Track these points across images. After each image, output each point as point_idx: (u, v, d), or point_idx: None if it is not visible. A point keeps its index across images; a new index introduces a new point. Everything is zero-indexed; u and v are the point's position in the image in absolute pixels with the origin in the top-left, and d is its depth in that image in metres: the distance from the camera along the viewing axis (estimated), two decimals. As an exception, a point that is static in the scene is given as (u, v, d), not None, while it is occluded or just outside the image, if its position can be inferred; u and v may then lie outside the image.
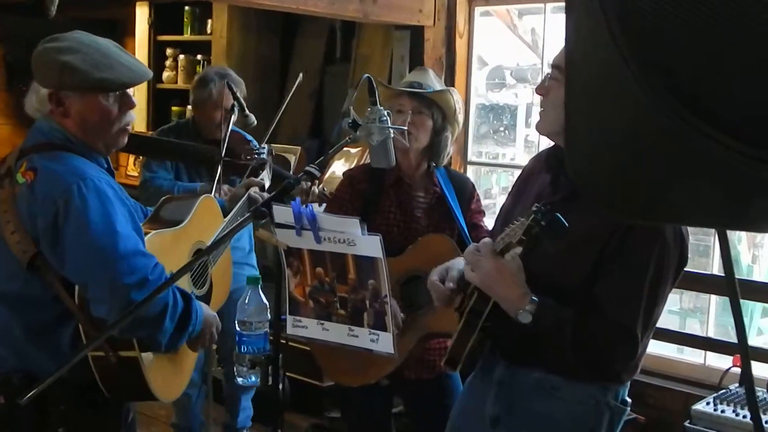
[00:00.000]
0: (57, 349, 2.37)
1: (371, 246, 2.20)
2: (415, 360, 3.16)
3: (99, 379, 2.39)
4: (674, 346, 4.83)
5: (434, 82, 3.30)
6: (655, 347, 4.83)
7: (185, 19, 6.14)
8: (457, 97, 3.29)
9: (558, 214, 2.13)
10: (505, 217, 2.57)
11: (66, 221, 2.27)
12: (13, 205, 2.34)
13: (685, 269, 4.59)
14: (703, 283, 4.64)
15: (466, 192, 3.32)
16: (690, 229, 5.10)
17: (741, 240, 5.21)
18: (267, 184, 3.46)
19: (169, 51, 6.28)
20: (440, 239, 3.11)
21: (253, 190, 3.21)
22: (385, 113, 2.48)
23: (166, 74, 6.28)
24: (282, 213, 2.28)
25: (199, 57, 6.16)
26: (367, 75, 2.49)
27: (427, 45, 5.26)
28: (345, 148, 4.60)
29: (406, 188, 3.26)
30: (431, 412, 3.21)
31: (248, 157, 3.81)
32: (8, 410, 2.38)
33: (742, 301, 3.92)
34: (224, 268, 3.02)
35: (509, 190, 2.73)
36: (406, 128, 3.04)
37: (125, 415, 2.59)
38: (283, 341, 2.43)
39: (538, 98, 2.46)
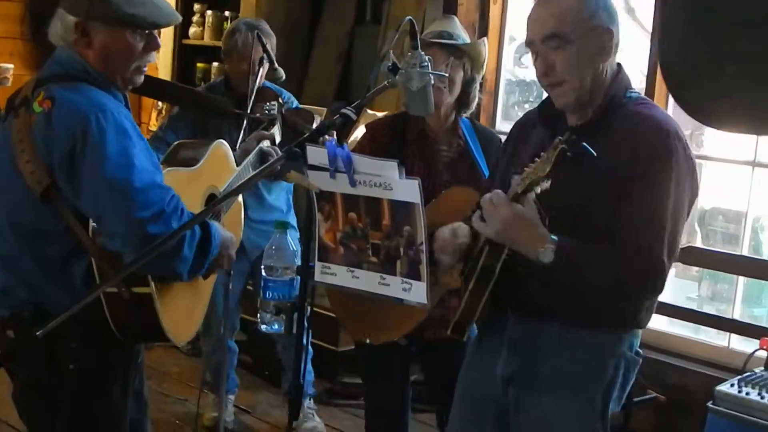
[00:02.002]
0: (70, 284, 2.32)
1: (409, 190, 2.12)
2: (434, 319, 3.08)
3: (110, 316, 2.33)
4: (695, 328, 4.76)
5: (462, 31, 3.22)
6: (678, 327, 4.77)
7: (214, -26, 6.05)
8: (486, 49, 3.22)
9: (584, 143, 2.12)
10: (502, 175, 2.51)
11: (83, 152, 2.23)
12: (29, 135, 2.30)
13: (715, 249, 4.59)
14: (733, 264, 4.56)
15: (493, 145, 3.22)
16: (718, 216, 5.10)
17: (764, 229, 5.14)
18: (278, 139, 3.39)
19: (196, 6, 6.17)
20: (463, 191, 2.98)
21: (265, 144, 3.16)
22: (426, 58, 2.40)
23: (192, 30, 6.18)
24: (316, 154, 2.20)
25: (227, 13, 6.07)
26: (409, 17, 2.41)
27: (461, 9, 5.16)
28: (371, 112, 4.53)
29: (430, 142, 3.17)
30: (449, 372, 3.15)
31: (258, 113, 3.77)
32: (18, 345, 2.35)
33: (761, 283, 3.86)
34: (235, 218, 2.94)
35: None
36: (447, 74, 2.95)
37: (135, 356, 2.54)
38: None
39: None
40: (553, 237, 2.21)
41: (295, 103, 4.26)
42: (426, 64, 2.38)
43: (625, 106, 2.33)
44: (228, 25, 5.92)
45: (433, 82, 2.43)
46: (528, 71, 5.91)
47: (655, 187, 2.23)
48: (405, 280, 2.17)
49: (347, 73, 5.77)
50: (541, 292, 2.31)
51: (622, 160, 2.24)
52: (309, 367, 4.26)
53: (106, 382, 2.43)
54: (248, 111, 3.79)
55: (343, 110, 2.27)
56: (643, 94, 2.46)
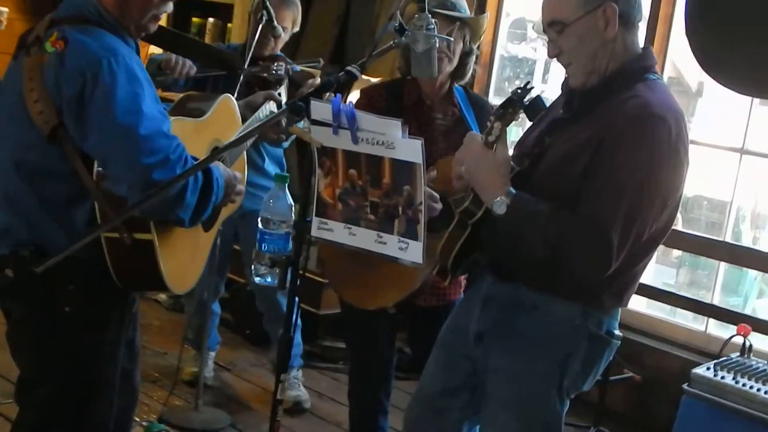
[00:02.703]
0: (71, 226, 2.33)
1: (411, 150, 2.12)
2: (426, 286, 3.10)
3: (110, 262, 2.34)
4: (671, 311, 4.81)
5: (463, 1, 3.22)
6: (655, 310, 4.82)
7: (213, -70, 5.99)
8: (486, 21, 3.26)
9: (540, 95, 2.23)
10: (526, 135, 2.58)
11: (92, 94, 2.23)
12: (39, 74, 2.29)
13: (696, 233, 4.63)
14: (713, 249, 4.61)
15: (485, 113, 3.22)
16: (703, 203, 5.13)
17: (744, 219, 5.19)
18: (284, 100, 3.40)
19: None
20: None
21: (269, 103, 3.17)
22: (433, 21, 2.39)
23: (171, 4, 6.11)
24: (320, 109, 2.19)
25: (226, -32, 6.02)
26: (418, -20, 2.40)
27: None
28: (366, 77, 4.52)
29: (426, 110, 3.18)
30: (430, 338, 3.17)
31: (264, 72, 3.79)
32: (16, 282, 2.34)
33: (743, 270, 3.90)
34: (239, 167, 2.96)
35: None
36: (452, 39, 2.96)
37: (130, 304, 2.54)
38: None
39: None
40: (512, 190, 2.25)
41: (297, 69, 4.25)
42: (432, 26, 2.38)
43: (632, 83, 2.33)
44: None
45: (438, 45, 2.42)
46: (520, 47, 5.93)
47: (624, 163, 2.21)
48: (402, 239, 2.17)
49: (343, 35, 5.76)
50: (507, 253, 2.36)
51: (598, 135, 2.25)
52: (298, 338, 4.27)
53: (100, 328, 2.44)
54: (245, 65, 3.78)
55: (348, 68, 2.27)
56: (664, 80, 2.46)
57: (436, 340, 2.68)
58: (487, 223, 2.36)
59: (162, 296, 5.32)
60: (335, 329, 4.95)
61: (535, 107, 2.31)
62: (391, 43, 2.38)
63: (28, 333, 2.43)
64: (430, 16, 2.38)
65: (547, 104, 2.40)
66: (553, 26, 2.35)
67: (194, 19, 6.09)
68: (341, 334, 4.97)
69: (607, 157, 2.22)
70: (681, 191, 2.35)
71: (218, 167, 2.45)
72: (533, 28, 5.83)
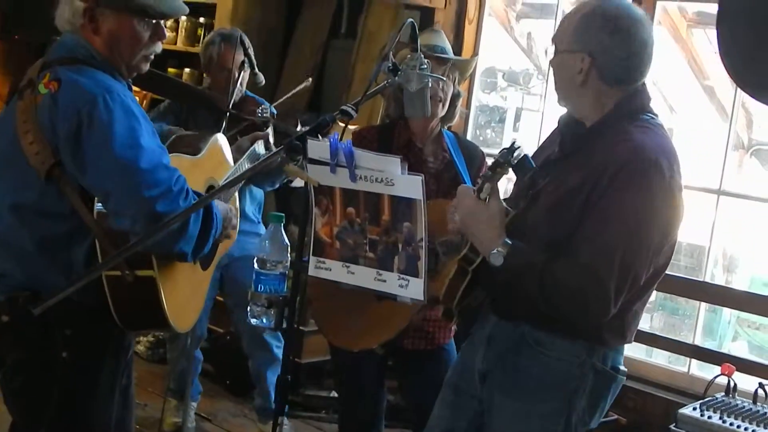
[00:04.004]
0: (70, 267, 2.31)
1: (411, 186, 2.12)
2: (414, 329, 3.09)
3: (111, 301, 2.31)
4: (648, 352, 4.81)
5: (449, 45, 3.26)
6: (633, 351, 4.82)
7: (190, -20, 6.01)
8: (475, 64, 3.28)
9: (527, 155, 2.23)
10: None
11: (90, 131, 2.23)
12: (34, 116, 2.29)
13: (677, 274, 4.65)
14: (694, 290, 4.62)
15: (476, 159, 3.27)
16: (682, 241, 5.16)
17: (717, 263, 5.23)
18: (272, 140, 3.40)
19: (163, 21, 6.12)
20: (447, 203, 3.00)
21: (259, 144, 3.17)
22: (426, 61, 2.41)
23: (166, 34, 6.13)
24: (317, 148, 2.19)
25: (201, 20, 6.04)
26: (410, 19, 2.43)
27: (435, 27, 5.19)
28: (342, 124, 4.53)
29: (417, 152, 3.19)
30: (426, 384, 3.14)
31: (251, 115, 3.80)
32: (12, 329, 2.32)
33: (718, 313, 3.88)
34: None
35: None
36: (445, 78, 2.98)
37: (126, 350, 2.51)
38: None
39: (533, 99, 2.51)
40: (508, 240, 2.24)
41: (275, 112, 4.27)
42: (425, 66, 2.40)
43: (624, 126, 2.31)
44: (201, 32, 5.93)
45: (431, 86, 2.44)
46: (491, 97, 5.99)
47: (617, 209, 2.20)
48: (402, 276, 2.17)
49: (319, 84, 5.77)
50: (508, 291, 2.34)
51: (590, 179, 2.24)
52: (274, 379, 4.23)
53: (95, 375, 2.41)
54: (227, 111, 3.79)
55: (343, 107, 2.27)
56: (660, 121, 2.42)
57: (444, 380, 2.64)
58: (486, 266, 2.34)
59: (140, 347, 5.25)
60: (317, 378, 4.90)
61: (523, 167, 2.28)
62: (385, 82, 2.39)
63: (22, 379, 2.39)
64: (422, 56, 2.40)
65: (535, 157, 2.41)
66: (552, 46, 2.42)
67: (170, 69, 6.08)
68: (324, 382, 4.97)
69: (600, 204, 2.21)
70: (677, 230, 2.34)
71: (215, 201, 2.45)
72: (503, 77, 5.93)
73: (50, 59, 2.38)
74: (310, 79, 4.23)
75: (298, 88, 4.09)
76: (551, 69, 2.44)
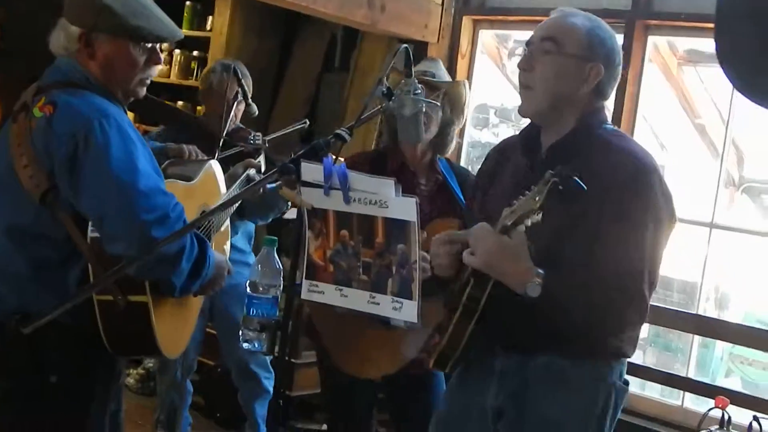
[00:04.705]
0: (63, 290, 2.28)
1: (405, 208, 2.11)
2: (419, 360, 3.06)
3: (102, 326, 2.29)
4: (641, 385, 4.78)
5: (444, 73, 3.27)
6: (631, 385, 4.78)
7: (185, 14, 6.06)
8: (467, 91, 3.26)
9: (576, 177, 2.11)
10: (481, 200, 2.55)
11: (86, 154, 2.22)
12: (28, 139, 2.28)
13: (669, 307, 4.63)
14: (687, 322, 4.61)
15: (469, 182, 3.23)
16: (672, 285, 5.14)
17: (709, 299, 5.23)
18: (263, 168, 3.41)
19: (164, 45, 6.18)
20: (445, 222, 2.98)
21: (251, 171, 3.18)
22: (419, 86, 2.42)
23: (160, 67, 6.16)
24: (310, 171, 2.19)
25: (195, 53, 6.08)
26: (404, 45, 2.44)
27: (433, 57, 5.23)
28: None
29: (410, 175, 3.18)
30: (414, 408, 3.14)
31: (243, 144, 3.81)
32: (1, 351, 2.30)
33: (710, 349, 3.85)
34: (223, 241, 2.96)
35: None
36: (439, 103, 2.98)
37: (116, 376, 2.49)
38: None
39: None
40: (540, 271, 2.20)
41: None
42: (419, 91, 2.41)
43: (599, 134, 2.36)
44: (195, 65, 5.96)
45: (425, 110, 2.45)
46: (482, 133, 6.02)
47: (633, 222, 2.23)
48: (396, 298, 2.15)
49: (312, 117, 5.79)
50: (528, 325, 2.28)
51: (595, 190, 2.21)
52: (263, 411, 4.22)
53: (85, 400, 2.37)
54: (221, 142, 3.79)
55: (338, 131, 2.26)
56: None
57: (435, 421, 2.56)
58: (495, 302, 2.28)
59: (130, 380, 5.21)
60: (308, 411, 4.86)
61: (573, 190, 2.16)
62: (379, 107, 2.40)
63: (11, 405, 2.35)
64: (416, 81, 2.41)
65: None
66: (545, 41, 2.34)
67: (161, 100, 6.11)
68: (315, 416, 4.93)
69: (614, 213, 2.23)
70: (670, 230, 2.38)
71: (212, 249, 2.44)
72: (495, 113, 5.95)
73: (45, 83, 2.37)
74: (307, 120, 4.22)
75: (292, 128, 4.07)
76: (537, 69, 2.35)
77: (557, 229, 2.26)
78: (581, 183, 2.11)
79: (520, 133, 2.55)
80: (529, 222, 2.16)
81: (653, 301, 4.59)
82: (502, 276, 2.22)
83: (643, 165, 2.28)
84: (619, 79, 2.42)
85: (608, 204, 2.23)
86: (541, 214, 2.14)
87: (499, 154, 2.62)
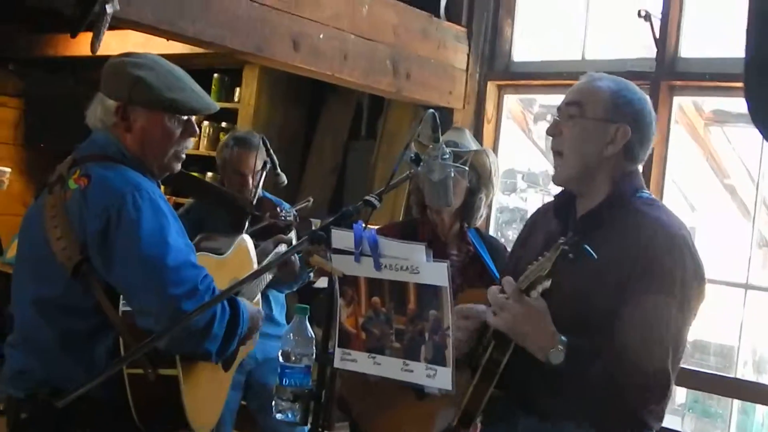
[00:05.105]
0: (91, 363, 2.27)
1: (437, 273, 2.09)
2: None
3: (132, 399, 2.27)
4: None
5: (470, 142, 3.28)
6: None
7: (213, 87, 6.13)
8: (492, 159, 3.26)
9: (586, 245, 2.10)
10: (515, 263, 2.54)
11: (118, 228, 2.23)
12: (62, 211, 2.30)
13: (708, 371, 4.55)
14: (726, 387, 4.53)
15: (500, 253, 3.26)
16: (711, 341, 5.06)
17: (747, 363, 5.15)
18: (294, 242, 3.42)
19: (194, 117, 6.23)
20: (476, 293, 2.95)
21: (282, 246, 3.20)
22: (448, 151, 2.42)
23: (193, 139, 6.22)
24: (341, 237, 2.18)
25: (224, 125, 6.14)
26: (431, 111, 2.44)
27: (458, 126, 5.25)
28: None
29: (441, 246, 3.18)
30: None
31: (274, 218, 3.80)
32: (31, 427, 2.27)
33: (750, 416, 3.77)
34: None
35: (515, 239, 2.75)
36: (467, 168, 2.98)
37: None
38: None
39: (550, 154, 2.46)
40: (563, 338, 2.18)
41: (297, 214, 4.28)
42: (447, 156, 2.41)
43: (633, 203, 2.35)
44: (223, 136, 6.01)
45: (453, 174, 2.44)
46: (511, 198, 6.02)
47: (660, 294, 2.19)
48: (429, 365, 2.11)
49: (340, 185, 5.83)
50: (550, 392, 2.25)
51: (623, 259, 2.23)
52: None
53: None
54: (251, 213, 3.80)
55: (367, 197, 2.26)
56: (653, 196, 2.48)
57: None
58: (517, 366, 2.27)
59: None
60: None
61: (583, 257, 2.16)
62: (408, 173, 2.40)
63: None
64: (444, 145, 2.41)
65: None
66: (571, 106, 2.37)
67: (193, 174, 6.15)
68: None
69: (640, 284, 2.20)
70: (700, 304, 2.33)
71: (243, 300, 2.42)
72: (523, 178, 5.96)
73: (80, 155, 2.40)
74: (311, 199, 4.22)
75: (299, 205, 4.05)
76: (564, 134, 2.37)
77: (582, 298, 2.25)
78: (591, 251, 2.10)
79: (554, 198, 2.55)
80: (540, 288, 2.16)
81: (690, 365, 4.57)
82: (523, 339, 2.21)
83: (673, 239, 2.25)
84: (652, 142, 2.40)
85: (635, 278, 2.21)
86: (549, 281, 2.14)
87: (533, 221, 2.64)
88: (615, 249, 2.26)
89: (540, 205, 5.79)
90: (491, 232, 5.53)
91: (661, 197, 4.69)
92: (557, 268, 2.13)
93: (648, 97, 2.42)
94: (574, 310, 2.26)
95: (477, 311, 2.40)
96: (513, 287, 2.21)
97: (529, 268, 2.20)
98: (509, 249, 3.33)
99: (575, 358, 2.17)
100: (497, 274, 3.07)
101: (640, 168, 2.45)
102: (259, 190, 4.10)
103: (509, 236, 5.94)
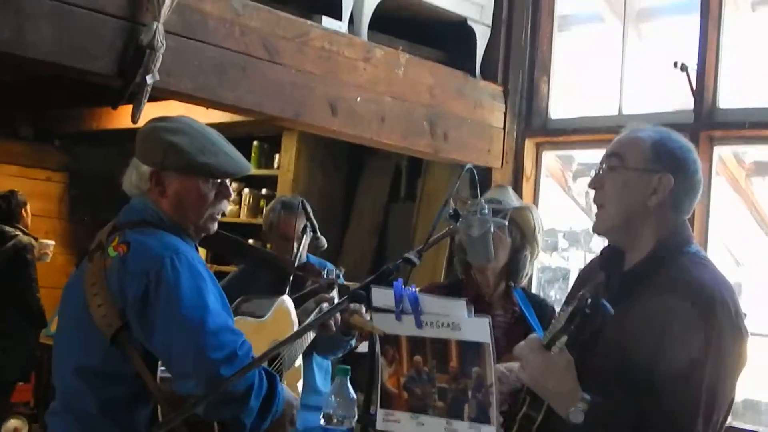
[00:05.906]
0: (131, 430, 2.27)
1: (479, 329, 2.07)
2: None
3: None
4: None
5: (513, 199, 3.26)
6: None
7: (252, 154, 6.21)
8: (536, 215, 3.24)
9: (603, 300, 2.05)
10: None
11: (157, 292, 2.24)
12: (103, 278, 2.32)
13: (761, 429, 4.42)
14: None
15: (546, 313, 3.21)
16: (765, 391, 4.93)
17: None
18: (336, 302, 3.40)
19: (234, 185, 6.25)
20: None
21: (324, 305, 3.19)
22: (486, 207, 2.41)
23: (229, 207, 6.29)
24: (381, 296, 2.17)
25: (264, 191, 6.19)
26: (469, 166, 2.45)
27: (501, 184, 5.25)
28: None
29: (485, 306, 3.15)
30: None
31: (316, 280, 3.80)
32: None
33: None
34: (296, 379, 2.93)
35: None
36: (506, 222, 2.97)
37: None
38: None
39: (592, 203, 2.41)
40: (586, 396, 2.10)
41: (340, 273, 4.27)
42: (486, 211, 2.40)
43: (679, 259, 2.29)
44: (264, 204, 6.06)
45: (493, 229, 2.43)
46: (552, 258, 5.97)
47: (690, 354, 2.11)
48: (473, 424, 2.08)
49: (382, 247, 5.83)
50: None
51: (659, 315, 2.17)
52: None
53: None
54: (292, 273, 3.80)
55: (406, 255, 2.26)
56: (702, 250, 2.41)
57: None
58: (552, 423, 2.19)
59: None
60: None
61: (600, 313, 2.11)
62: (448, 228, 2.39)
63: None
64: (483, 201, 2.40)
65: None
66: (612, 158, 2.33)
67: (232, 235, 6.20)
68: None
69: (673, 349, 2.13)
70: (739, 374, 2.24)
71: (283, 387, 2.42)
72: (564, 237, 5.92)
73: (120, 222, 2.43)
74: (343, 269, 4.21)
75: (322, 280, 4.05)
76: (606, 186, 2.33)
77: (622, 351, 2.18)
78: (608, 307, 2.05)
79: (601, 251, 2.50)
80: (559, 343, 2.09)
81: (744, 424, 4.44)
82: (545, 394, 2.14)
83: (710, 296, 2.17)
84: (699, 191, 2.34)
85: (669, 337, 2.14)
86: (566, 337, 2.08)
87: (586, 273, 2.58)
88: (653, 306, 2.21)
89: (583, 264, 5.78)
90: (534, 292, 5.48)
91: (705, 250, 4.61)
92: (576, 322, 2.07)
93: (692, 146, 2.37)
94: (616, 363, 2.20)
95: (509, 374, 2.34)
96: (534, 341, 2.16)
97: (552, 323, 2.15)
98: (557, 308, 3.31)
99: (593, 418, 2.09)
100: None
101: (687, 219, 2.39)
102: (303, 254, 4.11)
103: (552, 296, 5.90)
